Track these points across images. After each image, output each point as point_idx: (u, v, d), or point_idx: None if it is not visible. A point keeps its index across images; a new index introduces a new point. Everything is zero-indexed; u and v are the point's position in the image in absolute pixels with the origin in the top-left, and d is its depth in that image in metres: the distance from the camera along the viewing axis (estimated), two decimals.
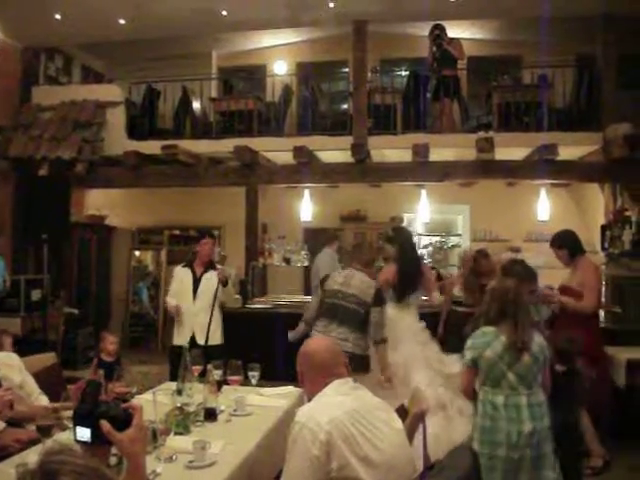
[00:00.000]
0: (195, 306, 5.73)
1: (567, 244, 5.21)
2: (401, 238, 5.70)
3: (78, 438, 1.76)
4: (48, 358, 4.85)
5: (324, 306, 4.84)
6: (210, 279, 5.79)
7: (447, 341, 6.60)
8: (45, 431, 2.66)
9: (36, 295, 8.61)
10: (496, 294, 3.48)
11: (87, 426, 1.73)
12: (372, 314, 4.74)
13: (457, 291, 7.33)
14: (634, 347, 5.62)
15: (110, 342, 5.49)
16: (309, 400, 2.55)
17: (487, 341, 3.34)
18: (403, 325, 5.36)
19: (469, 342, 3.44)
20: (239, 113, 9.33)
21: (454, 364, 5.43)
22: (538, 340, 3.38)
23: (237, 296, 8.34)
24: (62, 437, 2.65)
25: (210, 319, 5.67)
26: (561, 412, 3.53)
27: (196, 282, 5.78)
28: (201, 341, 5.60)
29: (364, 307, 4.73)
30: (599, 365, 4.83)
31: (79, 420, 1.76)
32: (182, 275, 5.84)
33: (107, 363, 5.26)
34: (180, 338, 5.62)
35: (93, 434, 1.73)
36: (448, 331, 7.19)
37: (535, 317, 4.25)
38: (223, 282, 5.75)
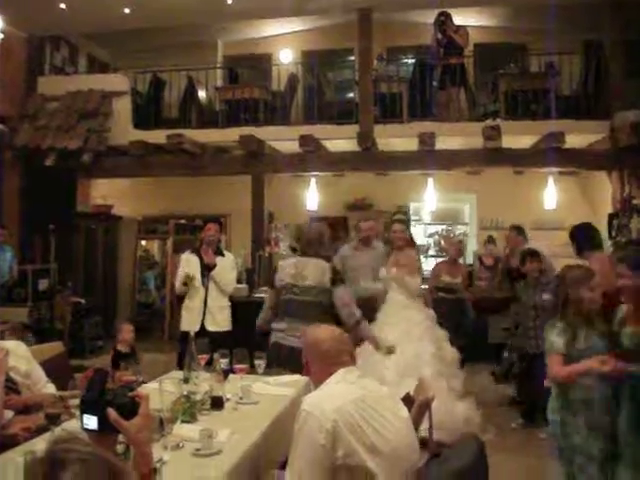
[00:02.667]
0: (205, 292, 5.75)
1: (575, 237, 5.12)
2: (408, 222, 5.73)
3: (85, 426, 1.76)
4: (55, 347, 4.85)
5: (280, 304, 4.46)
6: (221, 265, 5.82)
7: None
8: (53, 419, 2.67)
9: (43, 285, 8.65)
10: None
11: (94, 414, 1.74)
12: (336, 296, 4.39)
13: (445, 277, 7.33)
14: None
15: (127, 331, 5.49)
16: (315, 389, 2.56)
17: None
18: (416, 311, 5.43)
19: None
20: (245, 102, 9.32)
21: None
22: None
23: (242, 285, 8.37)
24: (70, 425, 2.66)
25: (205, 304, 5.72)
26: None
27: (204, 268, 5.80)
28: (211, 327, 5.64)
29: (326, 295, 4.38)
30: None
31: (86, 408, 1.76)
32: (190, 261, 5.84)
33: (124, 354, 5.27)
34: (189, 323, 5.62)
35: (100, 422, 1.74)
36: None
37: None
38: (210, 266, 5.77)
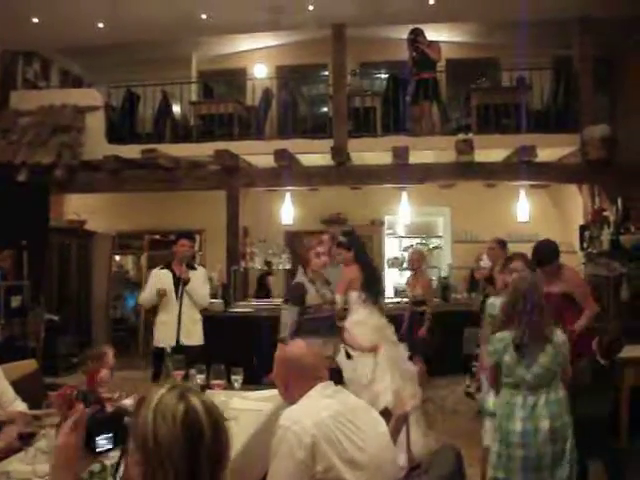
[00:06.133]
0: (179, 306, 5.71)
1: (557, 254, 5.15)
2: (354, 241, 5.70)
3: (100, 448, 1.68)
4: (29, 365, 4.79)
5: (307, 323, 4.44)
6: (193, 279, 5.79)
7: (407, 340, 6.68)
8: (27, 439, 2.64)
9: (16, 302, 8.50)
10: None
11: (110, 431, 1.67)
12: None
13: (417, 291, 7.34)
14: None
15: (112, 356, 5.30)
16: (290, 405, 2.53)
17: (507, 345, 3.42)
18: (373, 324, 5.41)
19: (489, 346, 3.56)
20: (219, 117, 9.33)
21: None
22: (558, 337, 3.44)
23: (217, 300, 8.33)
24: (43, 445, 2.62)
25: (179, 318, 5.67)
26: (608, 403, 3.84)
27: (177, 283, 5.76)
28: (186, 341, 5.60)
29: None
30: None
31: (101, 427, 1.68)
32: (162, 277, 5.80)
33: None
34: (165, 339, 5.56)
35: (116, 438, 1.68)
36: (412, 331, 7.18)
37: None
38: (184, 281, 5.73)
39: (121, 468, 1.74)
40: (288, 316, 4.45)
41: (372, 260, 6.00)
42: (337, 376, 4.21)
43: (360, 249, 5.69)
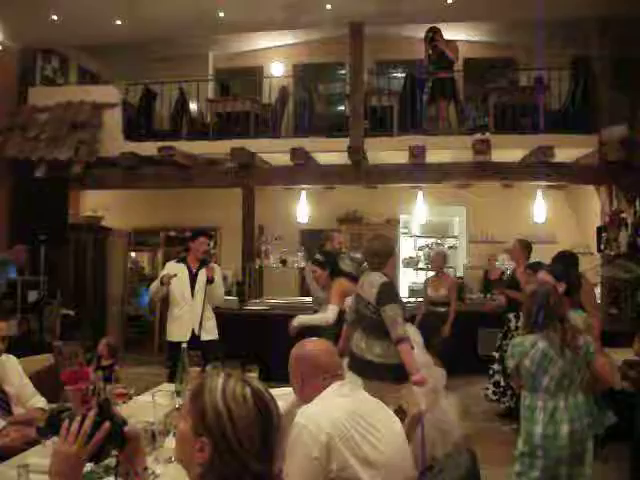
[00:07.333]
0: (194, 301, 5.69)
1: (573, 265, 5.16)
2: (330, 262, 5.60)
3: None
4: (45, 359, 4.83)
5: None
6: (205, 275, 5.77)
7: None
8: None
9: (33, 296, 8.58)
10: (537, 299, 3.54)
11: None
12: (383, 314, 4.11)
13: (441, 292, 7.28)
14: (630, 348, 5.60)
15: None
16: (304, 404, 2.52)
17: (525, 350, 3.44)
18: None
19: (509, 350, 3.58)
20: (236, 115, 9.33)
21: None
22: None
23: (232, 298, 8.36)
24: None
25: (202, 313, 5.65)
26: None
27: (193, 277, 5.74)
28: (206, 336, 5.59)
29: (373, 310, 4.15)
30: None
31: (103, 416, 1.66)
32: (176, 270, 5.75)
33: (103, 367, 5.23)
34: (179, 334, 5.55)
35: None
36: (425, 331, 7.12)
37: None
38: (209, 279, 5.70)
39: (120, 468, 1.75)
40: (395, 314, 4.11)
41: (351, 273, 5.92)
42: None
43: (336, 270, 5.61)
